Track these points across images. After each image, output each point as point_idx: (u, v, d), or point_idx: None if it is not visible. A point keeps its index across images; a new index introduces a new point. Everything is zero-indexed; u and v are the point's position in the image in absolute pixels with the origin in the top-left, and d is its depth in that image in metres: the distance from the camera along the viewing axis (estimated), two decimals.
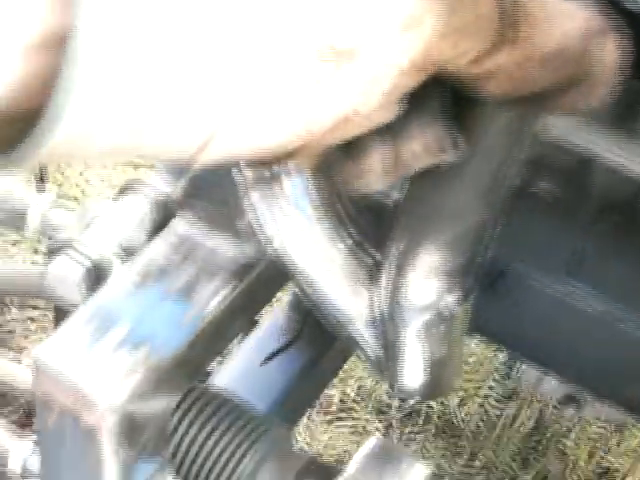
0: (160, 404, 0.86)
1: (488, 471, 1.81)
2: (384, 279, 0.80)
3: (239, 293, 0.91)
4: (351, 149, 0.58)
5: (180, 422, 0.97)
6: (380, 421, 1.91)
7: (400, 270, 0.78)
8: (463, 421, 1.90)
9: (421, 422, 1.91)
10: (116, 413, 0.81)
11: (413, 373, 0.79)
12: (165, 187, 0.96)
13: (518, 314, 0.89)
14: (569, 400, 1.28)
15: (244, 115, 0.42)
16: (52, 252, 0.88)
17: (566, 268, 0.94)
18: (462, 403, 1.92)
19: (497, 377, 1.95)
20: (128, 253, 0.92)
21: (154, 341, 0.84)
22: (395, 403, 1.93)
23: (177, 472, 0.98)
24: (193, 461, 0.99)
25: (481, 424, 1.89)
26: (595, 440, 1.89)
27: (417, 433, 1.90)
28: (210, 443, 0.99)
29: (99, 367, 0.82)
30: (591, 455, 1.85)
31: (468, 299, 0.79)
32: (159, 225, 0.94)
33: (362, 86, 0.47)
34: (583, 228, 0.83)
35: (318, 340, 1.32)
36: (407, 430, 1.90)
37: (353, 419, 1.88)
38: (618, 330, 0.94)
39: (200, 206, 0.93)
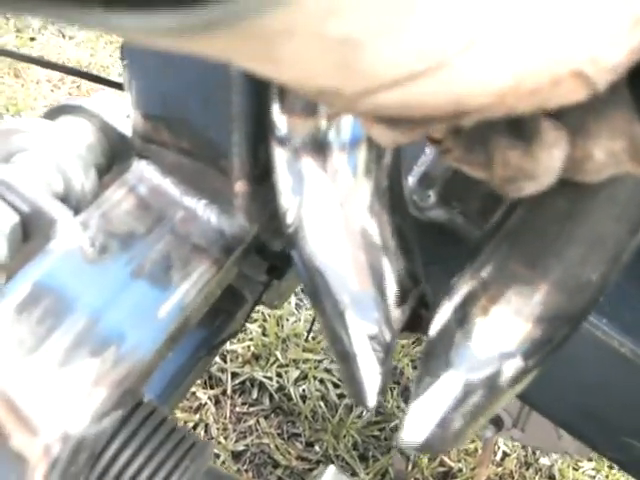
0: (110, 422, 0.61)
1: (327, 460, 1.65)
2: (445, 307, 0.63)
3: (225, 274, 0.66)
4: (524, 135, 0.45)
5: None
6: (212, 388, 1.70)
7: (475, 302, 0.62)
8: (302, 399, 1.72)
9: (255, 395, 1.72)
10: (66, 443, 0.55)
11: (418, 429, 0.63)
12: (116, 113, 0.69)
13: None
14: (489, 420, 1.13)
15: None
16: None
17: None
18: (300, 378, 1.74)
19: None
20: (69, 200, 0.64)
21: (122, 341, 0.58)
22: (227, 375, 1.72)
23: None
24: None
25: (321, 405, 1.72)
26: None
27: (251, 406, 1.70)
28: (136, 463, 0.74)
29: (47, 378, 0.55)
30: (432, 455, 1.74)
31: (534, 369, 0.62)
32: (108, 163, 0.67)
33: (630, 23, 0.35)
34: None
35: (212, 320, 1.08)
36: (240, 401, 1.70)
37: None
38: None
39: (173, 158, 0.66)
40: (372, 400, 0.69)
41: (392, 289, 0.66)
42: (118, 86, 0.99)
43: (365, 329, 0.67)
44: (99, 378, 0.56)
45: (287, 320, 1.83)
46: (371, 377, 0.69)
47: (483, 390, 0.61)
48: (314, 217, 0.63)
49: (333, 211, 0.63)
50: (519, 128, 0.45)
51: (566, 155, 0.45)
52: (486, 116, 0.39)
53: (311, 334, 1.79)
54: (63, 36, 2.39)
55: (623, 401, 0.80)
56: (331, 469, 0.78)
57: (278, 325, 1.81)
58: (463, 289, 0.62)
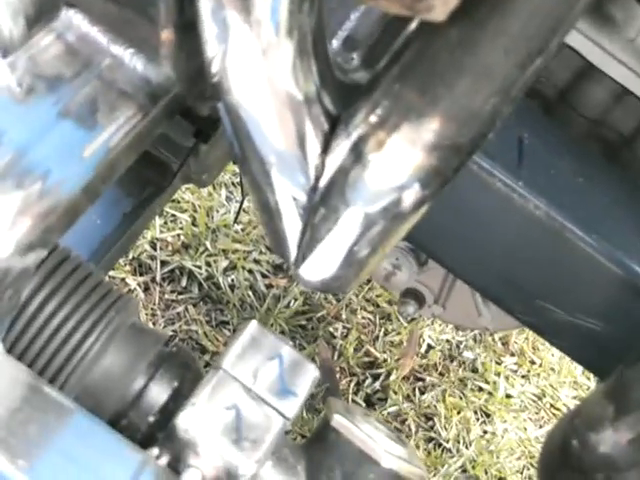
0: (32, 259, 0.62)
1: None
2: (343, 144, 0.65)
3: (152, 123, 0.67)
4: None
5: None
6: (141, 275, 1.72)
7: (371, 136, 0.63)
8: (230, 288, 1.75)
9: (184, 283, 1.74)
10: None
11: (323, 265, 0.67)
12: None
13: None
14: (411, 296, 1.17)
15: None
16: None
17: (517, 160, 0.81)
18: (229, 268, 1.77)
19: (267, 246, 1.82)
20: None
21: (47, 176, 0.59)
22: (157, 263, 1.74)
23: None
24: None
25: (249, 294, 1.76)
26: (363, 326, 1.84)
27: (180, 293, 1.73)
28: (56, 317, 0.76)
29: None
30: (358, 346, 1.79)
31: (431, 198, 0.64)
32: (39, 12, 0.67)
33: None
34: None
35: (140, 190, 1.10)
36: (169, 289, 1.73)
37: (110, 277, 1.67)
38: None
39: (101, 5, 0.67)
40: (293, 252, 0.71)
41: (316, 149, 0.68)
42: None
43: (289, 189, 0.69)
44: (23, 209, 0.58)
45: (217, 211, 1.85)
46: (293, 231, 0.71)
47: (383, 221, 0.63)
48: (239, 68, 0.64)
49: (257, 65, 0.64)
50: None
51: None
52: None
53: (240, 226, 1.82)
54: None
55: (537, 264, 0.84)
56: (253, 323, 0.80)
57: (208, 216, 1.83)
58: (358, 126, 0.64)
